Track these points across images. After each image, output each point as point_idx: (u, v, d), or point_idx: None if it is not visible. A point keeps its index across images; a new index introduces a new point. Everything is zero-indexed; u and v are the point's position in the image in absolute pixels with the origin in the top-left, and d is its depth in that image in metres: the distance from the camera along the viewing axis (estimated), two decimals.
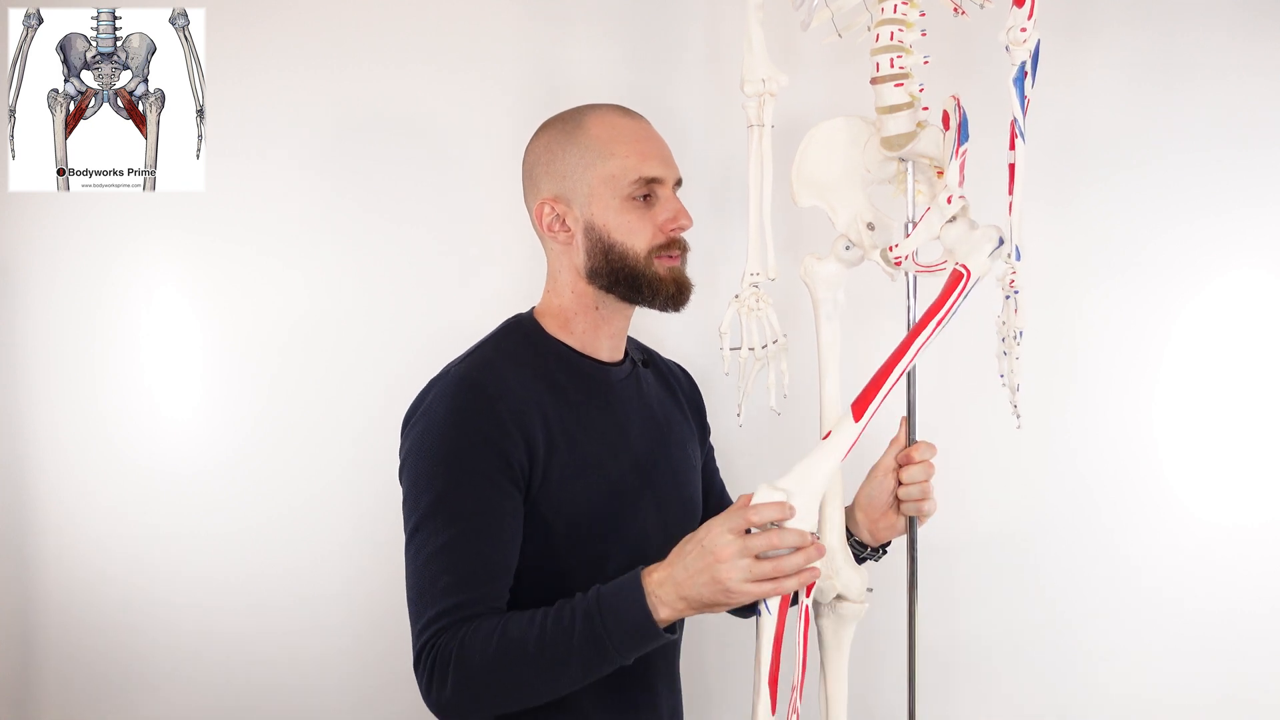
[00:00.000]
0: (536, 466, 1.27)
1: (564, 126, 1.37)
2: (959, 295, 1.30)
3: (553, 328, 1.39)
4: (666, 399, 1.51)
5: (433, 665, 1.19)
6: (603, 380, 1.39)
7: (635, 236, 1.34)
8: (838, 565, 1.42)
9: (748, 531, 1.13)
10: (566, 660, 1.14)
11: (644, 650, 1.16)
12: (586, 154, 1.34)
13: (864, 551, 1.46)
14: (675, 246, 1.37)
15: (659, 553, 1.23)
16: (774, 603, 1.18)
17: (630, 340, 1.49)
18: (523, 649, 1.15)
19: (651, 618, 1.13)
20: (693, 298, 1.96)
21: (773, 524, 1.14)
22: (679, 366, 1.62)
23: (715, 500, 1.59)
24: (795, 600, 1.22)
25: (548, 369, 1.34)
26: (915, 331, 1.30)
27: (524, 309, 1.46)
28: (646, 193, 1.35)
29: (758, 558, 1.12)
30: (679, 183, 1.41)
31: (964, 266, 1.32)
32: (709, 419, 1.62)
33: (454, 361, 1.36)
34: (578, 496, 1.30)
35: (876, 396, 1.26)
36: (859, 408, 1.25)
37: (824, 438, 1.28)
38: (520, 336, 1.38)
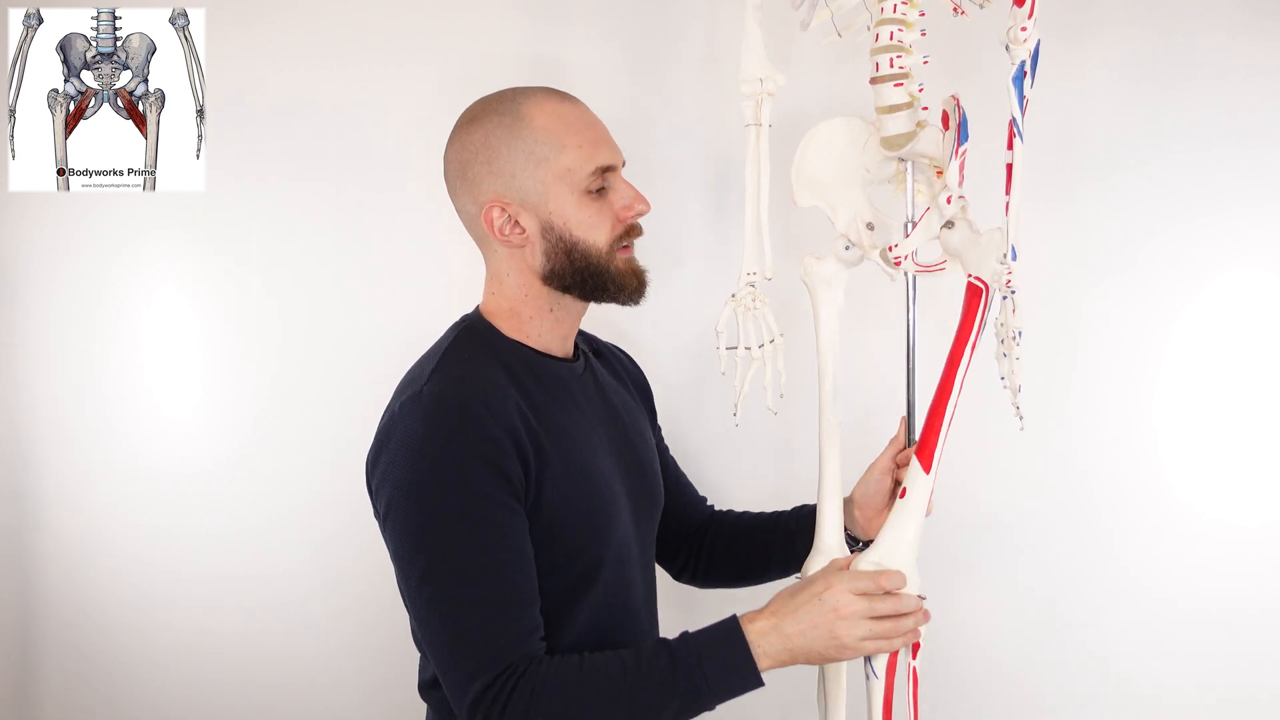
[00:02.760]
0: (530, 478, 1.18)
1: (501, 119, 1.24)
2: (983, 311, 1.31)
3: (508, 329, 1.29)
4: (619, 387, 1.45)
5: (502, 713, 1.11)
6: (566, 379, 1.31)
7: (596, 231, 1.25)
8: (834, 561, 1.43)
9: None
10: (661, 710, 1.13)
11: (736, 697, 1.17)
12: (536, 148, 1.23)
13: (856, 545, 1.46)
14: (631, 235, 1.29)
15: (637, 551, 1.32)
16: (882, 667, 1.25)
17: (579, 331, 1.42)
18: (612, 698, 1.12)
19: (756, 669, 1.15)
20: (691, 297, 1.98)
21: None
22: (620, 349, 1.56)
23: (672, 482, 1.55)
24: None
25: (515, 374, 1.24)
26: (953, 363, 1.30)
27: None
28: (601, 184, 1.26)
29: (877, 618, 1.18)
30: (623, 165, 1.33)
31: (980, 280, 1.31)
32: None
33: (408, 382, 1.24)
34: (570, 504, 1.22)
35: (938, 442, 1.29)
36: (925, 458, 1.29)
37: (900, 496, 1.30)
38: (480, 342, 1.27)
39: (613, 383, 1.45)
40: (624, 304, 1.30)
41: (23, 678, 2.26)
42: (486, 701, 1.11)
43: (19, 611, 2.24)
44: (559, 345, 1.33)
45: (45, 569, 2.22)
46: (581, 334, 1.45)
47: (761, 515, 1.57)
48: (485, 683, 1.11)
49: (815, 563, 1.43)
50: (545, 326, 1.31)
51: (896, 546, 1.27)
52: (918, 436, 1.39)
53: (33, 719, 2.26)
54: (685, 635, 1.18)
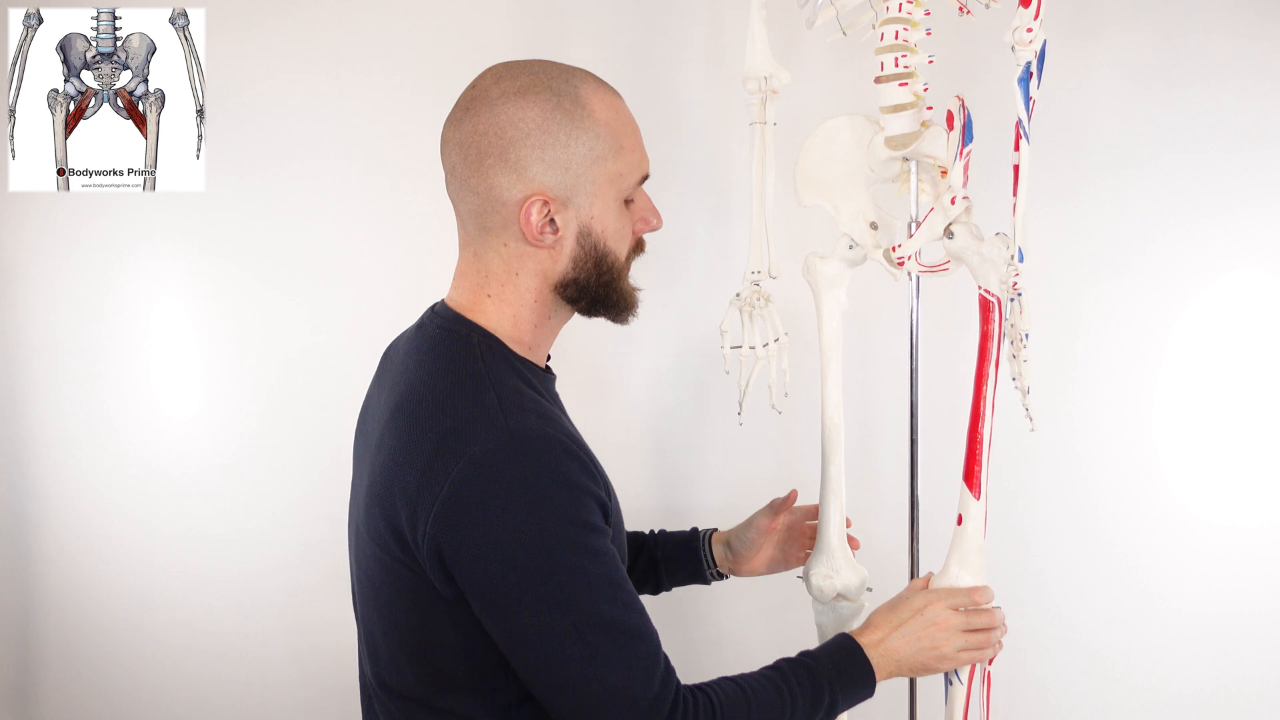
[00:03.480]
0: (612, 506, 1.11)
1: (560, 101, 1.08)
2: (1000, 325, 1.32)
3: (511, 341, 1.14)
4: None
5: None
6: (555, 393, 1.22)
7: (623, 243, 1.15)
8: (837, 565, 1.44)
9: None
10: None
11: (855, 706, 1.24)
12: (597, 145, 1.09)
13: (710, 569, 1.48)
14: (639, 251, 1.20)
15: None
16: (964, 674, 1.34)
17: None
18: (776, 715, 1.14)
19: (874, 682, 1.22)
20: (695, 296, 1.98)
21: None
22: None
23: None
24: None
25: (541, 396, 1.13)
26: (981, 383, 1.32)
27: None
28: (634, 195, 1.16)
29: (972, 631, 1.28)
30: None
31: (989, 293, 1.32)
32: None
33: (469, 418, 1.04)
34: (620, 529, 1.17)
35: (981, 465, 1.34)
36: (972, 483, 1.34)
37: (957, 524, 1.36)
38: (500, 359, 1.11)
39: None
40: (615, 321, 1.20)
41: (23, 678, 2.26)
42: None
43: (19, 611, 2.24)
44: (542, 356, 1.21)
45: (46, 568, 2.22)
46: None
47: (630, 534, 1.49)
48: (669, 708, 1.05)
49: (816, 562, 1.44)
50: (540, 337, 1.17)
51: (961, 572, 1.34)
52: (917, 434, 1.39)
53: (33, 719, 2.25)
54: (812, 654, 1.21)
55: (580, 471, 1.03)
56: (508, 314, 1.14)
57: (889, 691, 1.91)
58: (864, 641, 1.23)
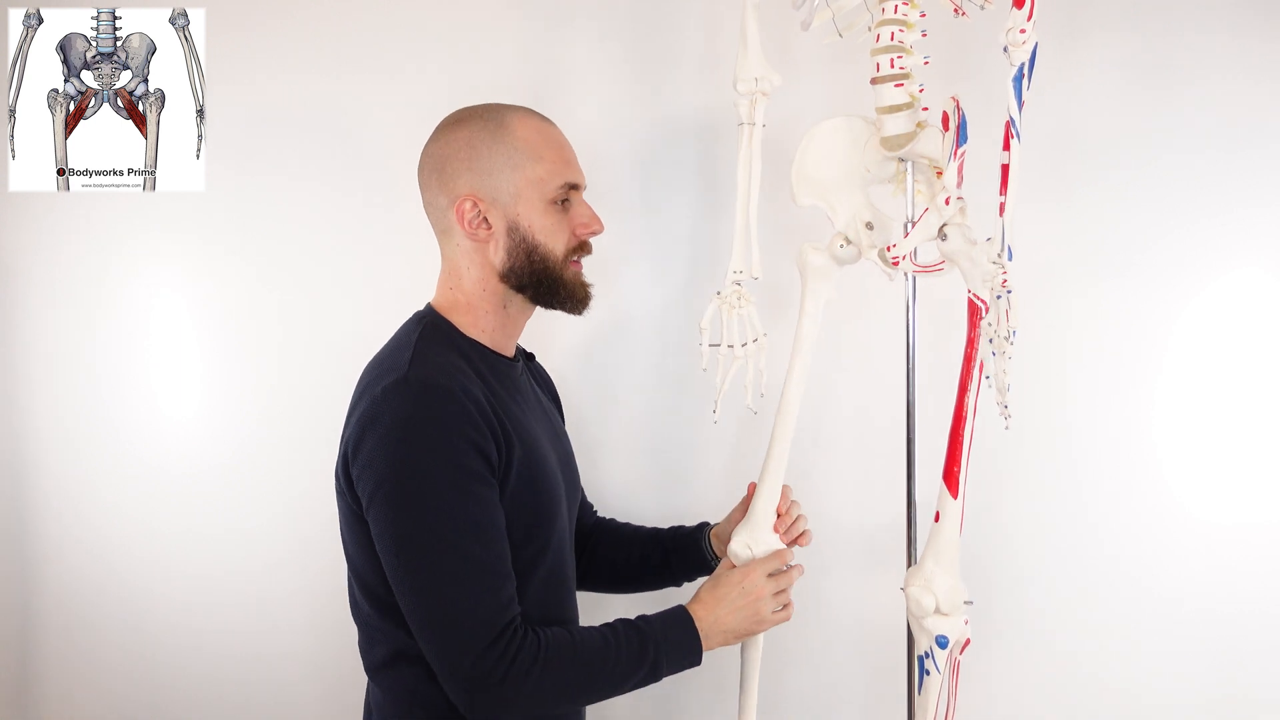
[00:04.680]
0: (502, 461, 1.28)
1: (485, 125, 1.36)
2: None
3: (464, 325, 1.39)
4: (542, 392, 1.56)
5: (510, 667, 1.22)
6: (514, 377, 1.42)
7: (555, 239, 1.37)
8: (758, 536, 1.49)
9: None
10: (629, 678, 1.31)
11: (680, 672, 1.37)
12: (514, 155, 1.35)
13: (712, 560, 1.59)
14: (583, 251, 1.41)
15: (570, 538, 1.46)
16: (943, 664, 1.38)
17: None
18: (598, 665, 1.29)
19: (701, 651, 1.36)
20: (680, 294, 1.98)
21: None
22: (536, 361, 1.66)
23: None
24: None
25: (475, 367, 1.34)
26: (964, 388, 1.34)
27: None
28: (566, 198, 1.38)
29: (779, 593, 1.43)
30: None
31: (978, 297, 1.34)
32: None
33: (385, 370, 1.30)
34: (528, 487, 1.33)
35: (961, 466, 1.36)
36: (951, 483, 1.37)
37: (935, 521, 1.39)
38: (443, 337, 1.36)
39: (537, 386, 1.56)
40: (570, 312, 1.42)
41: (23, 678, 2.26)
42: (491, 659, 1.21)
43: (19, 611, 2.24)
44: (506, 345, 1.43)
45: (46, 568, 2.22)
46: None
47: (643, 530, 1.68)
48: (488, 642, 1.21)
49: (740, 531, 1.49)
50: (497, 322, 1.40)
51: (937, 567, 1.37)
52: (914, 434, 1.40)
53: (33, 719, 2.26)
54: (647, 618, 1.35)
55: (461, 418, 1.23)
56: (463, 303, 1.39)
57: (889, 692, 1.92)
58: (696, 614, 1.37)
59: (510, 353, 1.44)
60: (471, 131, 1.36)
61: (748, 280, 1.53)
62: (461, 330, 1.38)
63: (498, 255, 1.37)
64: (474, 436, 1.24)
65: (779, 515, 1.52)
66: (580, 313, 1.42)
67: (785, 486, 1.53)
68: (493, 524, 1.25)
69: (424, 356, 1.30)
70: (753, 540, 1.47)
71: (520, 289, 1.38)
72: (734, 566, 1.45)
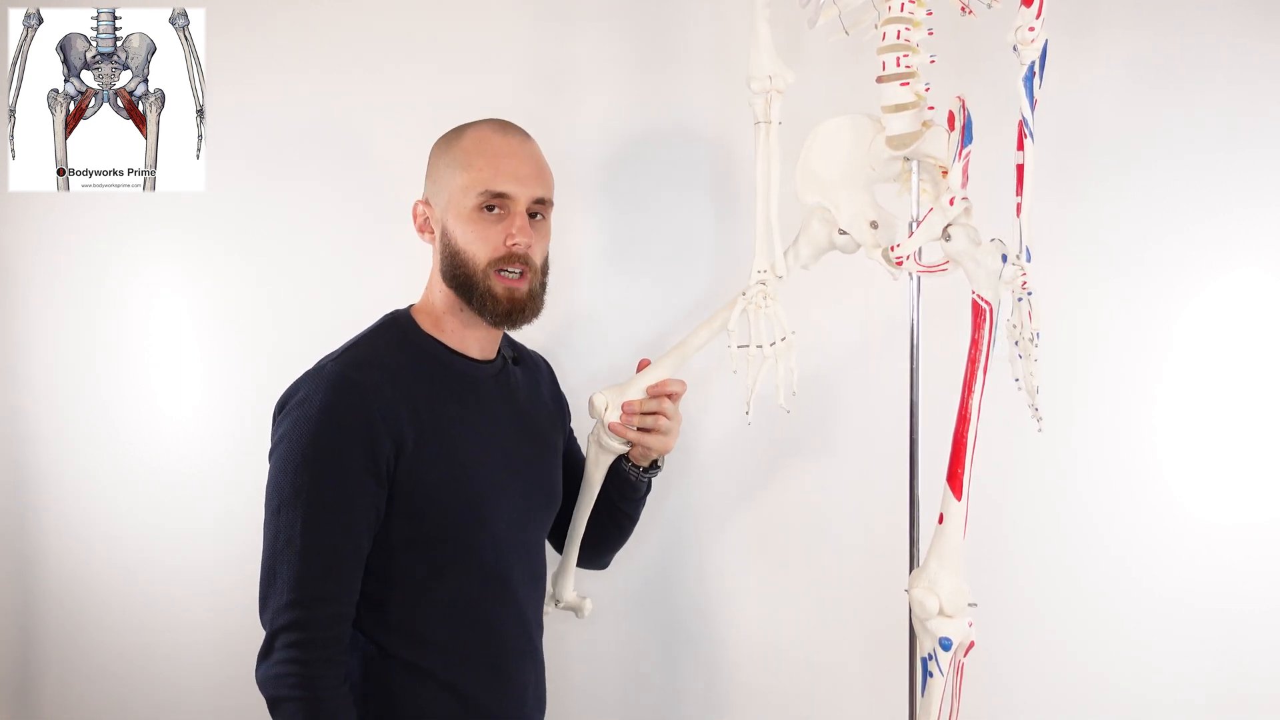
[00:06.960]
0: (404, 460, 1.33)
1: (450, 135, 1.45)
2: (990, 331, 1.33)
3: (427, 325, 1.45)
4: (533, 392, 1.58)
5: (278, 677, 1.28)
6: (472, 377, 1.45)
7: (477, 247, 1.39)
8: (613, 394, 1.53)
9: None
10: None
11: None
12: (453, 163, 1.41)
13: (626, 465, 1.59)
14: (516, 263, 1.40)
15: (522, 538, 1.46)
16: (947, 666, 1.37)
17: (504, 337, 1.54)
18: None
19: None
20: (701, 295, 1.97)
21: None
22: (540, 356, 1.68)
23: (575, 475, 1.65)
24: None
25: (420, 366, 1.40)
26: (968, 390, 1.33)
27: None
28: (495, 206, 1.39)
29: None
30: (547, 204, 1.44)
31: (982, 299, 1.32)
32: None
33: (329, 356, 1.41)
34: (449, 487, 1.37)
35: (965, 467, 1.36)
36: (955, 485, 1.36)
37: (939, 523, 1.38)
38: (397, 333, 1.44)
39: (528, 387, 1.57)
40: (494, 325, 1.43)
41: (23, 678, 2.25)
42: (297, 643, 1.27)
43: (19, 611, 2.24)
44: (476, 347, 1.46)
45: (46, 568, 2.22)
46: (510, 343, 1.58)
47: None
48: (300, 619, 1.27)
49: (608, 389, 1.53)
50: (457, 324, 1.44)
51: (940, 568, 1.36)
52: (917, 435, 1.39)
53: (33, 719, 2.25)
54: None
55: (355, 407, 1.31)
56: (429, 303, 1.47)
57: (889, 691, 1.91)
58: None
59: (480, 354, 1.47)
60: (438, 143, 1.46)
61: (772, 279, 1.51)
62: (425, 329, 1.44)
63: (439, 257, 1.43)
64: (363, 433, 1.30)
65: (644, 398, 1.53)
66: (508, 327, 1.44)
67: (670, 381, 1.53)
68: (340, 517, 1.30)
69: (356, 349, 1.40)
70: (611, 399, 1.52)
71: (455, 293, 1.42)
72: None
